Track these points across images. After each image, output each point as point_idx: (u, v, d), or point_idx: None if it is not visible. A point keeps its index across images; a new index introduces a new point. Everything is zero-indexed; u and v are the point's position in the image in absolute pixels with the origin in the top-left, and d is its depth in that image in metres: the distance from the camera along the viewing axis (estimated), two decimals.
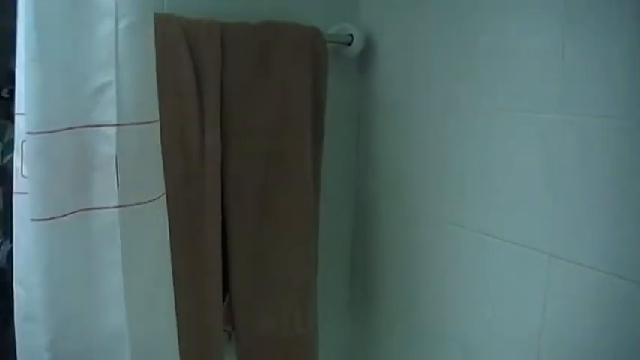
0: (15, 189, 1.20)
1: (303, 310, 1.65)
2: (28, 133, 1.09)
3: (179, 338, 1.27)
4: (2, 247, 2.50)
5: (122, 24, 1.10)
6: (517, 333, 1.32)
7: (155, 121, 1.19)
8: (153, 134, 1.19)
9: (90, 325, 1.15)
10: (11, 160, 2.41)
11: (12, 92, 2.33)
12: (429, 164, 1.54)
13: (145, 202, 1.19)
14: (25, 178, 1.16)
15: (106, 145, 1.14)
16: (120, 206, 1.15)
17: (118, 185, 1.14)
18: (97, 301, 1.15)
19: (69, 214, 1.12)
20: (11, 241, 2.43)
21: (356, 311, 1.87)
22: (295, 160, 1.61)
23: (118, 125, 1.14)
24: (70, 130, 1.12)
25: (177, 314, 1.27)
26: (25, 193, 1.17)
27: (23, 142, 1.16)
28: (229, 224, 1.57)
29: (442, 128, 1.50)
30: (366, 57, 1.77)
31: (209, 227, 1.52)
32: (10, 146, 2.52)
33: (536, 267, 1.26)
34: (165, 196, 1.24)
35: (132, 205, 1.17)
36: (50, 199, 1.12)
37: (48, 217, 1.11)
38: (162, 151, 1.21)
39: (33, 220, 1.11)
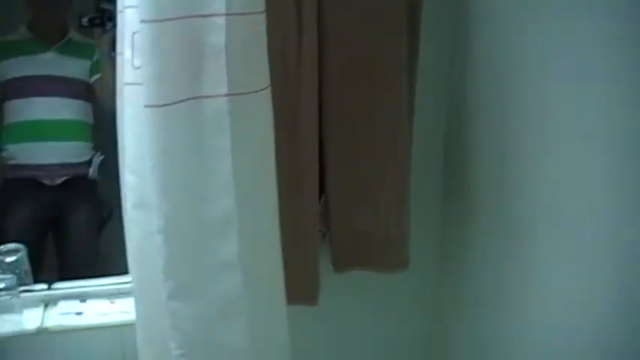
0: (125, 80, 1.23)
1: (397, 212, 1.66)
2: (142, 21, 1.11)
3: None
4: (94, 159, 2.60)
5: None
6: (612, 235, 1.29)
7: (262, 12, 1.20)
8: (259, 25, 1.20)
9: (201, 208, 1.19)
10: (97, 80, 2.48)
11: (91, 20, 2.38)
12: (530, 67, 1.50)
13: (252, 92, 1.21)
14: (137, 68, 1.19)
15: (216, 34, 1.15)
16: (229, 94, 1.17)
17: (227, 74, 1.16)
18: (208, 187, 1.19)
19: (181, 101, 1.15)
20: (102, 154, 2.52)
21: (448, 215, 1.87)
22: (391, 62, 1.60)
23: (227, 15, 1.15)
24: (181, 20, 1.13)
25: None
26: (136, 84, 1.19)
27: (134, 33, 1.18)
28: (326, 125, 1.58)
29: (546, 29, 1.45)
30: None
31: (306, 128, 1.54)
32: (96, 67, 2.59)
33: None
34: (270, 88, 1.25)
35: (240, 94, 1.19)
36: (163, 86, 1.14)
37: (161, 104, 1.14)
38: None
39: (146, 106, 1.15)
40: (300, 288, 1.55)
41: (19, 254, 1.65)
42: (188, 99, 1.16)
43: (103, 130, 2.58)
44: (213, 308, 1.23)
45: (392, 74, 1.56)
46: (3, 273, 1.61)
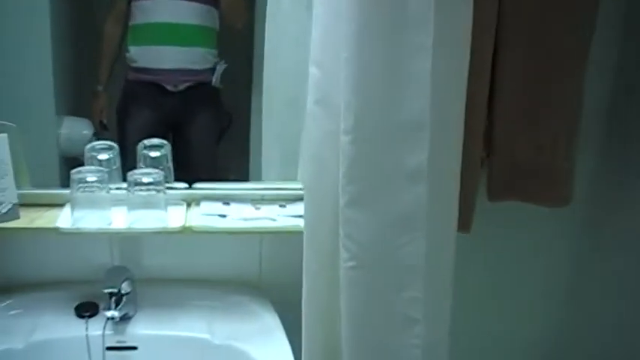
0: None
1: (566, 144, 1.53)
2: None
3: None
4: (218, 67, 2.51)
5: None
6: None
7: None
8: None
9: (393, 109, 1.10)
10: None
11: None
12: None
13: None
14: None
15: None
16: None
17: None
18: (402, 86, 1.09)
19: None
20: (226, 62, 2.43)
21: (609, 157, 1.73)
22: None
23: None
24: None
25: None
26: None
27: None
28: (501, 44, 1.45)
29: None
30: None
31: (483, 38, 1.40)
32: None
33: None
34: None
35: None
36: None
37: None
38: None
39: None
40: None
41: (162, 150, 1.59)
42: None
43: (227, 38, 2.49)
44: (394, 220, 1.14)
45: None
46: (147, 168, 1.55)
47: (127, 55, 2.30)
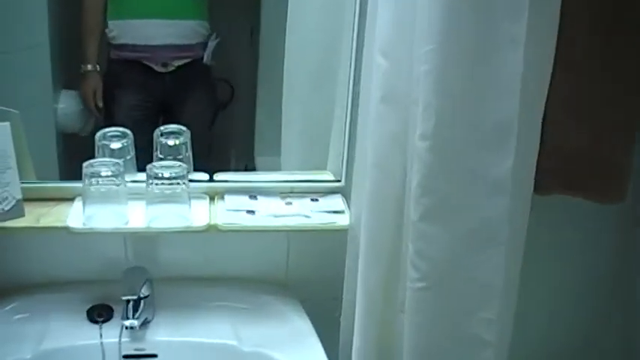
0: None
1: (628, 135, 1.39)
2: None
3: None
4: (209, 42, 2.28)
5: None
6: None
7: None
8: None
9: (478, 111, 0.96)
10: None
11: None
12: None
13: None
14: None
15: None
16: None
17: None
18: (490, 84, 0.95)
19: None
20: (217, 37, 2.22)
21: None
22: None
23: None
24: None
25: None
26: None
27: None
28: (561, 24, 1.30)
29: None
30: None
31: None
32: None
33: None
34: None
35: None
36: None
37: None
38: None
39: None
40: None
41: (182, 137, 1.43)
42: None
43: (222, 7, 2.28)
44: (472, 236, 1.01)
45: None
46: (165, 158, 1.39)
47: (107, 30, 2.08)
